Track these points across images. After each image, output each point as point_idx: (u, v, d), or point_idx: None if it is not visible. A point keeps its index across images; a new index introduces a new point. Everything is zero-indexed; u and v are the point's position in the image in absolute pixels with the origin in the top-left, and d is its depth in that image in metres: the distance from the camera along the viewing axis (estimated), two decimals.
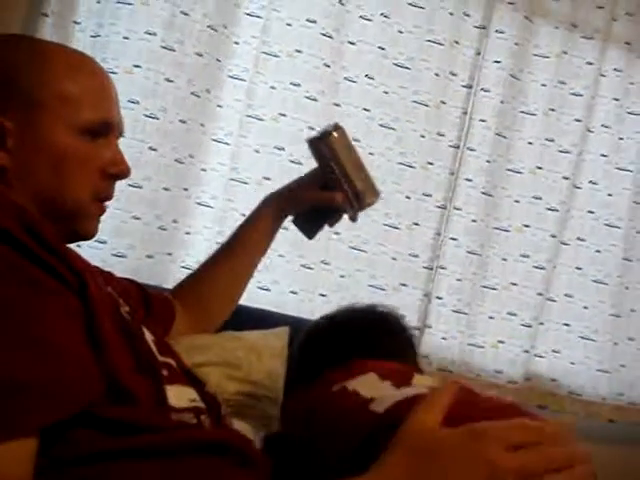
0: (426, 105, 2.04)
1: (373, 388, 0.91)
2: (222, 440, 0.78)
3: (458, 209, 2.08)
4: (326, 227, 1.21)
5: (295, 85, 1.97)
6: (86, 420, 0.67)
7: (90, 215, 0.90)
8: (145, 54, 1.87)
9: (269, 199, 1.24)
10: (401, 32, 2.03)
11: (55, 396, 0.64)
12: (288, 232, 1.32)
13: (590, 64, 2.13)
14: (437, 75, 2.05)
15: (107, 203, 0.93)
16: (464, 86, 2.08)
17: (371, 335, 1.13)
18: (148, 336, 0.84)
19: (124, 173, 0.93)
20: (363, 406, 0.86)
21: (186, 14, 1.89)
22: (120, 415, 0.70)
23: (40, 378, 0.63)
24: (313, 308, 1.96)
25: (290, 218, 1.24)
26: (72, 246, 0.85)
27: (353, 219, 1.21)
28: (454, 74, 2.07)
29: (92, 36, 1.87)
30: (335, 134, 1.11)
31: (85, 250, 0.97)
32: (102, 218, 0.93)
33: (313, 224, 1.20)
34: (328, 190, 1.15)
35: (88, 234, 0.91)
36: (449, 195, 2.08)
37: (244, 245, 1.23)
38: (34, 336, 0.65)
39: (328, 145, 1.10)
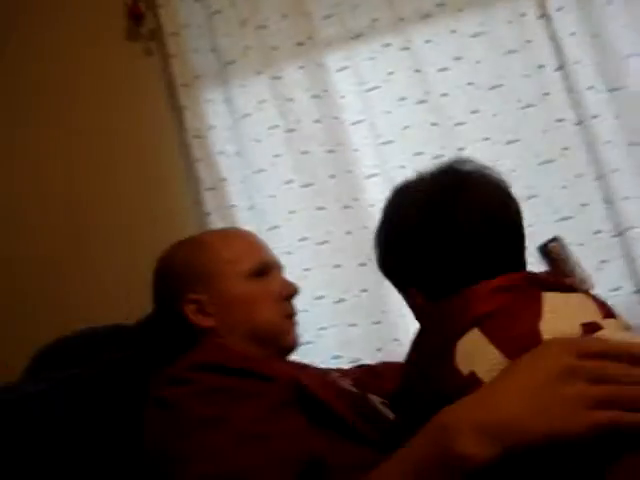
0: None
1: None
2: None
3: None
4: None
5: None
6: None
7: (285, 331, 1.18)
8: None
9: None
10: None
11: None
12: None
13: None
14: None
15: (297, 318, 1.21)
16: None
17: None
18: (374, 397, 1.08)
19: (294, 292, 1.21)
20: None
21: None
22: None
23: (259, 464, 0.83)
24: None
25: None
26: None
27: None
28: None
29: None
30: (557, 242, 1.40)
31: None
32: None
33: None
34: None
35: (290, 346, 1.19)
36: None
37: None
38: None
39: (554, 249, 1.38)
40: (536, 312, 0.77)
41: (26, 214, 1.95)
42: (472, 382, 0.72)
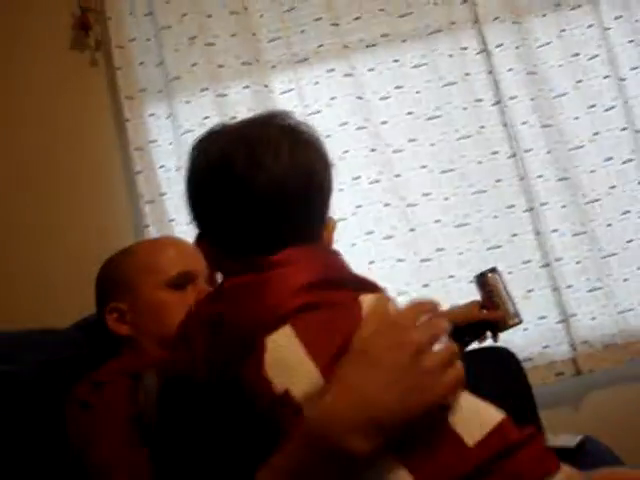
0: None
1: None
2: None
3: None
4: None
5: None
6: None
7: None
8: None
9: None
10: None
11: None
12: None
13: None
14: None
15: None
16: None
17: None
18: None
19: None
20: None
21: None
22: None
23: None
24: None
25: None
26: None
27: (495, 339, 1.59)
28: None
29: None
30: (495, 274, 1.60)
31: None
32: None
33: (465, 338, 1.57)
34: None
35: None
36: None
37: None
38: None
39: (490, 281, 1.60)
40: (354, 318, 0.72)
41: None
42: (287, 403, 0.68)
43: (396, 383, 0.67)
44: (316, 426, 0.68)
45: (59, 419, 1.07)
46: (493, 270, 1.65)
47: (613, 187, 2.04)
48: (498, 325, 1.60)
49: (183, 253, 1.25)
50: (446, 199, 2.03)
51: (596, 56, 2.07)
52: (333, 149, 1.94)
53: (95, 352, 1.22)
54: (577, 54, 2.07)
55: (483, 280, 1.63)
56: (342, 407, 0.67)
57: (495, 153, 2.04)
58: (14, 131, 1.97)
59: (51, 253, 1.94)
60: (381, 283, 1.94)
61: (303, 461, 0.68)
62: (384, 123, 2.03)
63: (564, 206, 2.03)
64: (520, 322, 1.63)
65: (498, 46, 2.07)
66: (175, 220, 1.95)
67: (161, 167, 1.97)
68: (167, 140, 1.99)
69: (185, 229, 1.94)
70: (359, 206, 2.01)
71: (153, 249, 1.25)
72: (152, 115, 2.00)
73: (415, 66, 2.06)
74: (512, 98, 2.05)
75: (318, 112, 2.02)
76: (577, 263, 2.01)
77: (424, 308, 0.73)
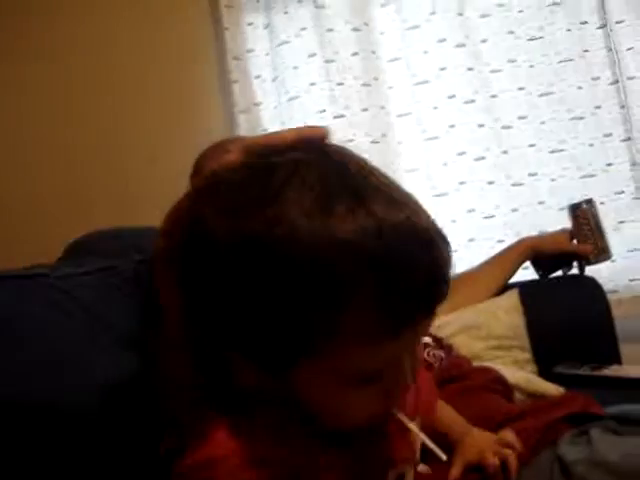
0: None
1: None
2: None
3: None
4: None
5: None
6: None
7: None
8: None
9: (523, 240, 1.61)
10: None
11: None
12: None
13: None
14: None
15: None
16: None
17: None
18: None
19: None
20: None
21: None
22: None
23: None
24: None
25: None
26: None
27: (582, 271, 1.60)
28: None
29: None
30: (591, 206, 1.58)
31: None
32: None
33: (550, 267, 1.61)
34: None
35: None
36: None
37: (485, 273, 1.57)
38: None
39: (584, 212, 1.58)
40: None
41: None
42: None
43: None
44: None
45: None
46: (589, 202, 1.62)
47: None
48: (586, 258, 1.59)
49: None
50: (542, 123, 1.98)
51: None
52: (430, 66, 1.96)
53: None
54: None
55: (577, 211, 1.60)
56: None
57: (596, 79, 1.97)
58: (110, 35, 1.99)
59: (142, 163, 1.98)
60: (470, 205, 1.95)
61: None
62: (483, 42, 1.97)
63: None
64: (609, 258, 1.61)
65: None
66: (268, 131, 1.97)
67: (257, 77, 1.98)
68: (264, 50, 1.99)
69: None
70: (452, 125, 1.98)
71: None
72: (250, 25, 2.00)
73: None
74: (619, 22, 1.96)
75: (416, 27, 1.98)
76: None
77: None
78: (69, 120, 1.97)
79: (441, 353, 1.21)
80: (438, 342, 1.24)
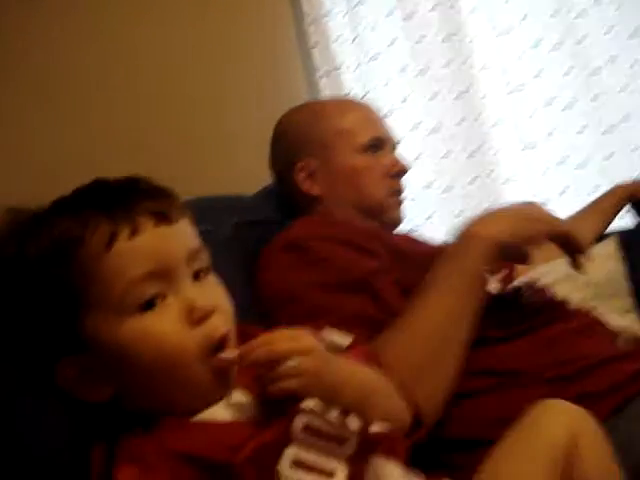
0: None
1: None
2: None
3: None
4: None
5: None
6: None
7: (389, 207, 1.19)
8: None
9: (618, 186, 1.52)
10: None
11: None
12: None
13: None
14: None
15: (403, 195, 1.23)
16: None
17: None
18: None
19: (403, 170, 1.21)
20: None
21: None
22: None
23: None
24: None
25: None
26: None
27: None
28: None
29: None
30: None
31: None
32: None
33: None
34: None
35: (394, 222, 1.21)
36: None
37: (582, 222, 1.48)
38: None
39: None
40: None
41: None
42: None
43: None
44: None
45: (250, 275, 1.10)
46: None
47: None
48: None
49: (374, 117, 1.24)
50: (632, 66, 1.90)
51: None
52: (513, 13, 1.89)
53: (280, 216, 1.24)
54: None
55: None
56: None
57: None
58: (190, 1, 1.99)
59: (229, 125, 1.96)
60: (561, 154, 1.89)
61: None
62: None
63: None
64: None
65: None
66: (350, 94, 1.96)
67: (335, 40, 1.97)
68: (341, 12, 1.97)
69: None
70: (537, 75, 1.92)
71: (345, 110, 1.22)
72: None
73: None
74: None
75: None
76: None
77: None
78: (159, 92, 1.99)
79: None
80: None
